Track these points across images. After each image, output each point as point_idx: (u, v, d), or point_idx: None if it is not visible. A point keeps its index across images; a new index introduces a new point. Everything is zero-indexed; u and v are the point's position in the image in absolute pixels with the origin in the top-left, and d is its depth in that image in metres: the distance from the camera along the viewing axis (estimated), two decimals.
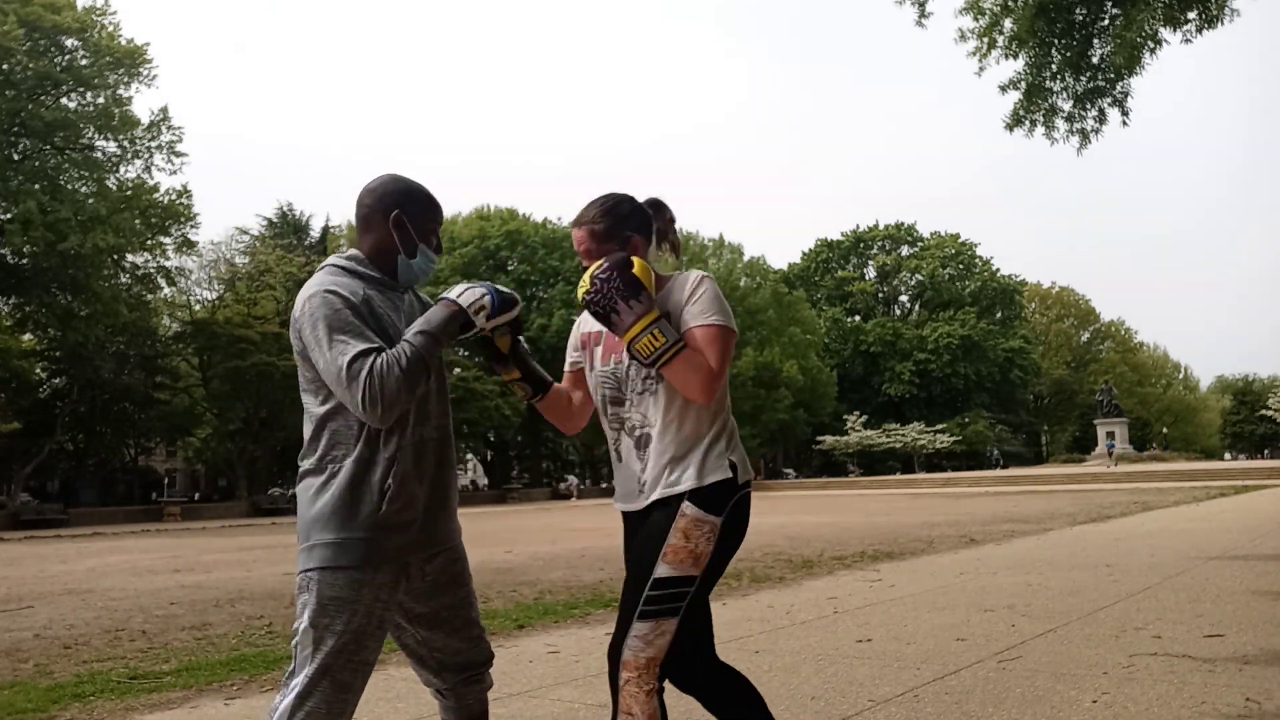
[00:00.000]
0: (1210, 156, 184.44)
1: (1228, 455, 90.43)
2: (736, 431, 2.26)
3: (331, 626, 2.02)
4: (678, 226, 2.47)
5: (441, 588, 2.24)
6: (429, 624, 2.25)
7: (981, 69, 9.89)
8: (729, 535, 2.17)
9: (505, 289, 2.22)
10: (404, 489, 2.10)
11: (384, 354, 2.00)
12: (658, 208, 2.40)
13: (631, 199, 2.35)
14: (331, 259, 2.23)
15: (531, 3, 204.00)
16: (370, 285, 2.16)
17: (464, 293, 2.15)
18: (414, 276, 2.25)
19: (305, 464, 2.13)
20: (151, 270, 40.34)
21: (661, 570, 2.12)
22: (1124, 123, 9.98)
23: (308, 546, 2.08)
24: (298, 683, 2.03)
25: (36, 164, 35.54)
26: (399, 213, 2.19)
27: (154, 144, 38.12)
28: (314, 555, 2.07)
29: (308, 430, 2.14)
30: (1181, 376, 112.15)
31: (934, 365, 75.93)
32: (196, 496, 51.13)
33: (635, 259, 2.18)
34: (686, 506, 2.12)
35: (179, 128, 38.34)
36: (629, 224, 2.29)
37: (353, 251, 2.24)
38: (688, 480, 2.13)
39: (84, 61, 35.93)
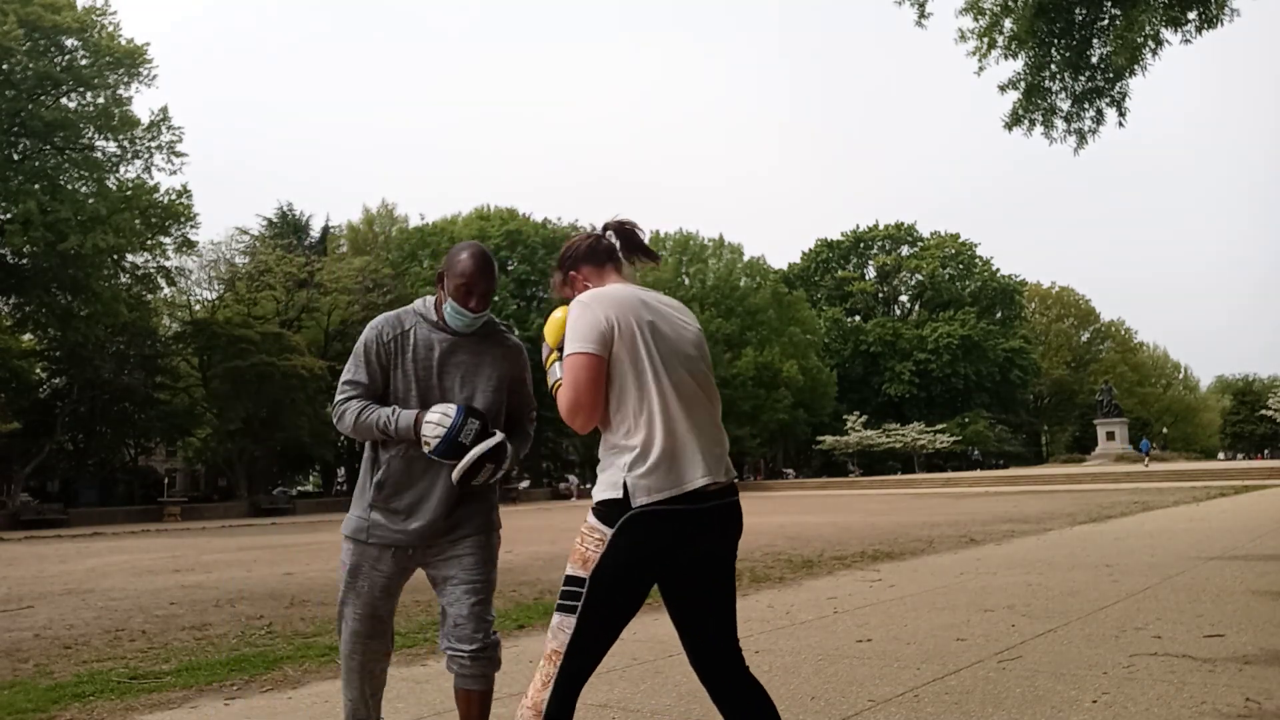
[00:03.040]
0: (1211, 156, 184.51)
1: (1221, 455, 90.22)
2: (654, 452, 2.21)
3: (343, 577, 2.87)
4: (649, 235, 2.62)
5: (447, 562, 2.81)
6: (439, 587, 2.84)
7: (981, 69, 9.91)
8: (627, 550, 2.20)
9: (478, 446, 2.66)
10: (391, 487, 2.79)
11: (355, 400, 2.79)
12: (618, 230, 2.55)
13: (579, 237, 2.57)
14: (417, 300, 2.94)
15: (530, 2, 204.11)
16: (424, 324, 2.84)
17: (434, 419, 2.68)
18: (450, 323, 2.84)
19: None
20: (151, 270, 40.23)
21: (568, 568, 2.32)
22: (1120, 123, 10.01)
23: None
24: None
25: (36, 164, 35.48)
26: (440, 272, 2.86)
27: (154, 144, 38.03)
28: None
29: None
30: (1181, 376, 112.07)
31: (934, 365, 75.90)
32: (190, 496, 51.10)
33: (559, 310, 2.46)
34: (589, 514, 2.30)
35: (179, 128, 38.27)
36: (569, 264, 2.54)
37: (429, 297, 2.95)
38: (595, 493, 2.30)
39: (84, 61, 35.86)
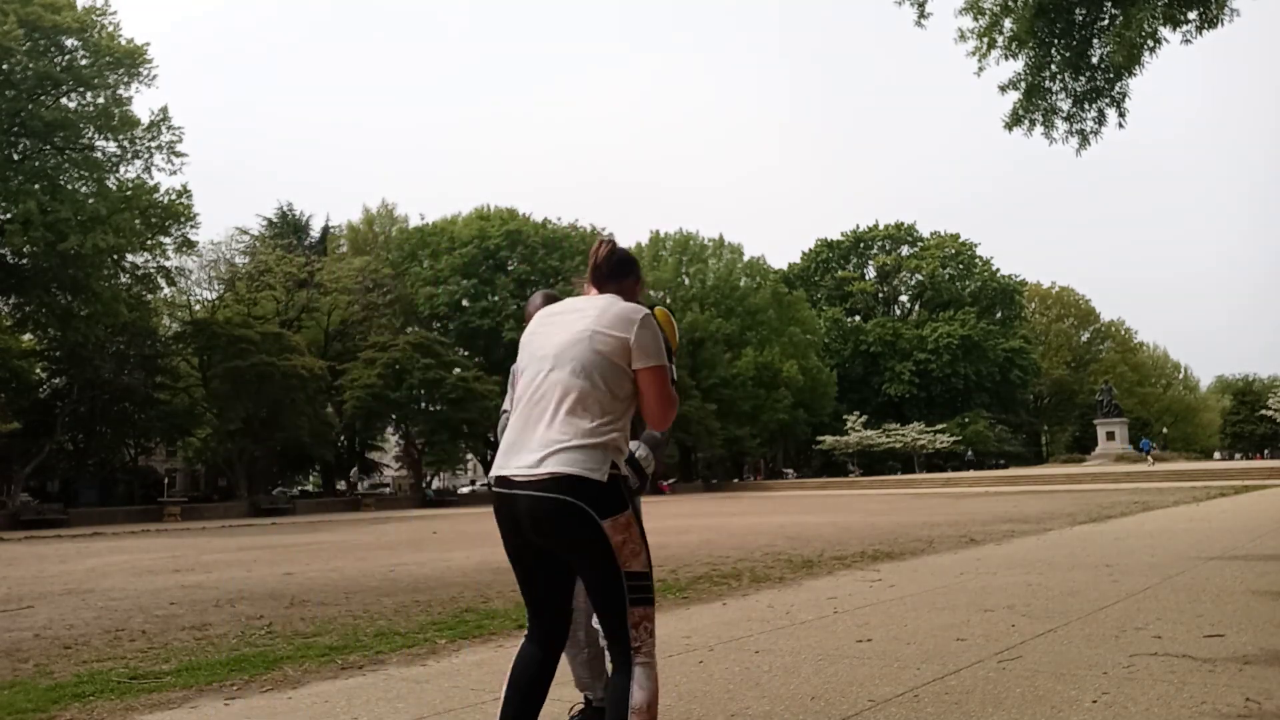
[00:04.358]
0: (1211, 156, 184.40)
1: (1217, 455, 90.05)
2: (501, 441, 2.61)
3: None
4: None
5: None
6: None
7: (981, 69, 9.91)
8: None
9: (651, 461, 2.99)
10: None
11: (504, 417, 3.21)
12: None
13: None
14: None
15: (530, 2, 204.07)
16: None
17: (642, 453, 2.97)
18: None
19: None
20: (151, 270, 40.22)
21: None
22: (1120, 124, 9.99)
23: None
24: None
25: (36, 164, 35.45)
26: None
27: (154, 144, 38.01)
28: None
29: None
30: (1181, 376, 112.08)
31: (934, 365, 75.91)
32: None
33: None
34: None
35: (179, 128, 38.25)
36: None
37: None
38: None
39: (84, 61, 35.84)
